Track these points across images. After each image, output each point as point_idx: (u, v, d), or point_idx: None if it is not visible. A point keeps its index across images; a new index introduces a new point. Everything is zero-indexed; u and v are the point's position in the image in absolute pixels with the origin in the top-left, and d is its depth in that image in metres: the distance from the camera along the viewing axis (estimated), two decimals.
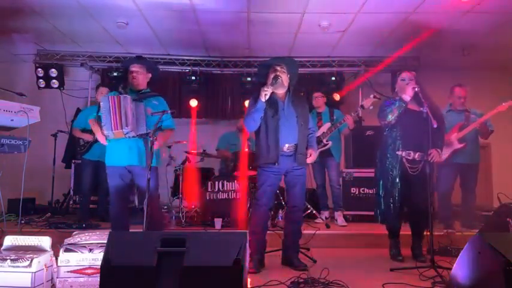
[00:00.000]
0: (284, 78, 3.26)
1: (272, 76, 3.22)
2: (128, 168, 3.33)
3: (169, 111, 3.34)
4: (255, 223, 3.33)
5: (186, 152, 5.50)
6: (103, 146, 4.72)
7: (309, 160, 3.36)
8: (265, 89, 3.14)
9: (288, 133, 3.23)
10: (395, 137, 3.54)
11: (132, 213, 4.90)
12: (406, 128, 3.48)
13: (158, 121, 3.16)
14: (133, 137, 3.22)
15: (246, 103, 6.38)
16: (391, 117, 3.48)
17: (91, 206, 5.08)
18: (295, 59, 3.60)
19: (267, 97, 3.15)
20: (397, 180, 3.50)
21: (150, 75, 3.54)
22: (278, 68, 3.26)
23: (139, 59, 3.58)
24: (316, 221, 5.01)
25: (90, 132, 4.73)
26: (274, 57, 3.43)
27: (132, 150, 3.29)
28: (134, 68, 3.43)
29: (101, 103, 3.19)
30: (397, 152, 3.51)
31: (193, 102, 6.55)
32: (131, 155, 3.29)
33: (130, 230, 3.40)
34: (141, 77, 3.45)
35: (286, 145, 3.24)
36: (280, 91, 3.30)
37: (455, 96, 4.54)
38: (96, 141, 4.71)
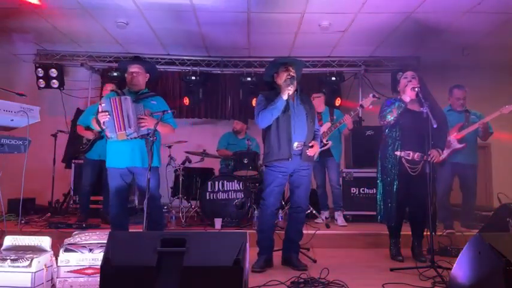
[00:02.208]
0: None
1: (289, 76, 3.22)
2: (130, 169, 3.33)
3: (169, 111, 3.33)
4: (262, 222, 3.34)
5: (186, 152, 5.50)
6: (105, 145, 4.78)
7: (310, 152, 3.27)
8: (289, 88, 3.15)
9: (298, 131, 3.23)
10: (395, 137, 3.54)
11: (132, 213, 4.92)
12: (406, 128, 3.48)
13: (158, 121, 3.16)
14: (135, 138, 3.22)
15: (253, 102, 6.41)
16: (390, 118, 3.48)
17: (91, 206, 5.07)
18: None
19: (289, 94, 3.18)
20: (396, 180, 3.50)
21: (148, 75, 3.53)
22: (291, 68, 3.28)
23: (137, 59, 3.57)
24: (316, 221, 5.01)
25: (91, 129, 4.75)
26: (284, 57, 3.45)
27: (135, 152, 3.28)
28: (134, 68, 3.42)
29: (102, 105, 3.18)
30: (395, 152, 3.51)
31: (185, 100, 6.57)
32: (134, 157, 3.28)
33: (130, 230, 3.40)
34: (141, 77, 3.45)
35: (296, 143, 3.23)
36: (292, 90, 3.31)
37: (454, 98, 4.54)
38: (97, 139, 4.73)
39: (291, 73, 3.24)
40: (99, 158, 4.77)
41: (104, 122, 3.17)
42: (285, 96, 3.16)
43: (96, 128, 3.33)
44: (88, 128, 4.76)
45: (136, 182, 3.44)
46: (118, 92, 3.33)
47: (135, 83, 3.42)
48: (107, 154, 3.39)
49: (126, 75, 3.47)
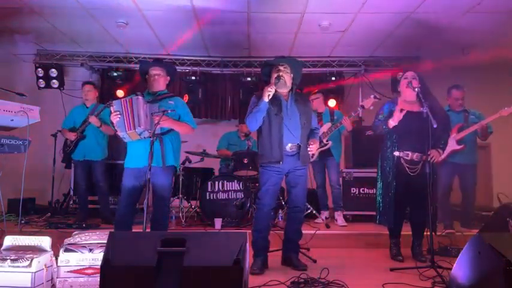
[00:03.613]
0: (287, 78, 3.25)
1: (275, 76, 3.22)
2: (144, 169, 3.33)
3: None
4: (258, 223, 3.32)
5: (186, 152, 5.50)
6: (88, 144, 4.79)
7: (311, 149, 3.28)
8: (269, 89, 3.12)
9: (291, 133, 3.22)
10: (394, 138, 3.55)
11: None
12: (406, 129, 3.47)
13: (158, 121, 3.15)
14: (148, 137, 3.22)
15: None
16: (378, 131, 3.59)
17: (90, 206, 5.07)
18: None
19: (270, 97, 3.15)
20: (395, 181, 3.50)
21: (169, 78, 3.57)
22: (281, 68, 3.26)
23: (158, 61, 3.59)
24: (316, 221, 5.00)
25: (75, 130, 4.77)
26: (278, 57, 3.41)
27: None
28: (156, 70, 3.46)
29: (114, 107, 3.21)
30: (394, 153, 3.52)
31: (185, 100, 6.56)
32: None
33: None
34: (162, 79, 3.49)
35: (289, 144, 3.23)
36: (284, 90, 3.28)
37: (452, 98, 4.54)
38: (79, 140, 4.74)
39: (281, 73, 3.22)
40: (84, 158, 4.81)
41: (115, 123, 3.20)
42: (265, 98, 3.13)
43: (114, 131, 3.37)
44: (71, 130, 4.79)
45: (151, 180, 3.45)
46: (137, 94, 3.33)
47: (155, 85, 3.47)
48: (126, 155, 3.44)
49: (146, 76, 3.51)
